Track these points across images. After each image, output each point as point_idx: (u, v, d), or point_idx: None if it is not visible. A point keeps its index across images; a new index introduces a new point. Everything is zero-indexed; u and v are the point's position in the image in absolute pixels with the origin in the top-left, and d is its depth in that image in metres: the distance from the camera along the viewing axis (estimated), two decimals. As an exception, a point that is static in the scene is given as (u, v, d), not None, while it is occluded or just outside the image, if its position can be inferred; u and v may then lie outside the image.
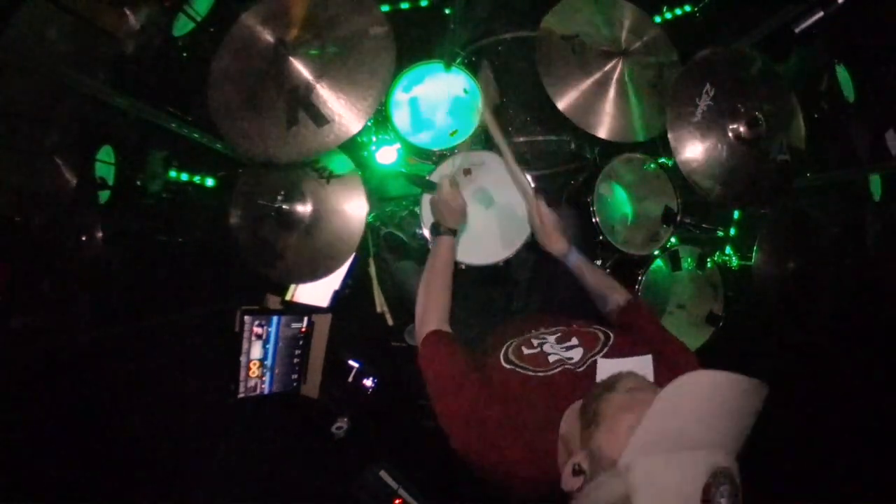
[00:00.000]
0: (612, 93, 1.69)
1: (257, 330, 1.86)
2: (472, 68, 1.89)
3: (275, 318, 1.90)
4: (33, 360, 2.04)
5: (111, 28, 2.39)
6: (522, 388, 0.96)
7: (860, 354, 2.40)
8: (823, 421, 2.33)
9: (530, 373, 1.00)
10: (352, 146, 1.86)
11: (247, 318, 1.84)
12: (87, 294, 2.25)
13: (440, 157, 1.76)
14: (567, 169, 1.99)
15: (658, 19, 2.46)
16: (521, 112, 1.93)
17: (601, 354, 1.01)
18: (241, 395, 1.85)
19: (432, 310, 1.18)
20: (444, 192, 1.35)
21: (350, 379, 2.12)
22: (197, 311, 2.21)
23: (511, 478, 0.91)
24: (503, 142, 1.42)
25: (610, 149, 1.89)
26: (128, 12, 2.41)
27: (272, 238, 1.79)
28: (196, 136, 1.84)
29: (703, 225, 2.18)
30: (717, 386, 0.68)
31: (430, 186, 1.56)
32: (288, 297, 1.98)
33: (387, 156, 1.93)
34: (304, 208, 1.77)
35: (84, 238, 2.19)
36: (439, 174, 1.69)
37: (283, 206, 1.74)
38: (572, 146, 1.96)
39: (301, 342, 1.97)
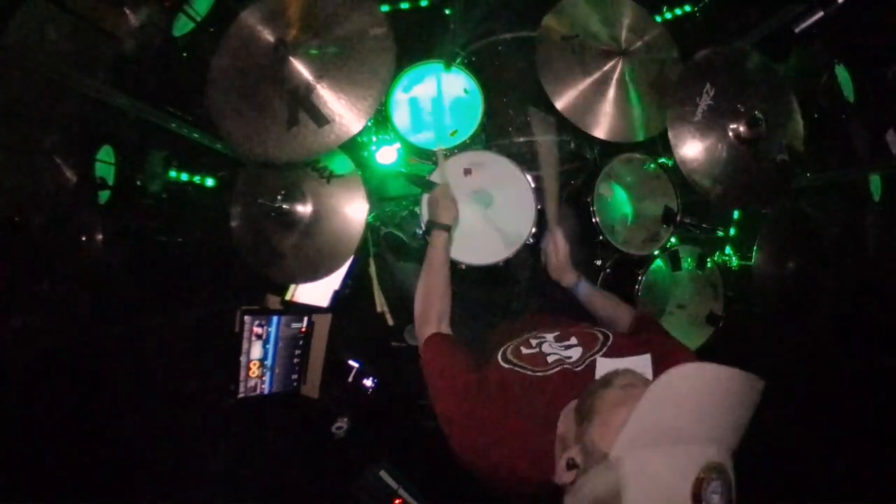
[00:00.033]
0: (611, 93, 1.69)
1: (257, 330, 1.86)
2: (472, 68, 1.89)
3: (275, 318, 1.90)
4: (33, 360, 2.04)
5: (111, 28, 2.39)
6: (521, 388, 0.96)
7: (860, 354, 2.40)
8: (823, 421, 2.33)
9: (529, 372, 1.00)
10: (352, 146, 1.86)
11: (247, 318, 1.84)
12: (87, 294, 2.25)
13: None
14: (567, 169, 1.99)
15: (658, 19, 2.46)
16: (521, 112, 1.93)
17: (600, 354, 1.01)
18: (241, 395, 1.85)
19: (431, 309, 1.18)
20: (437, 188, 1.39)
21: (350, 379, 2.12)
22: (197, 311, 2.21)
23: (510, 478, 0.91)
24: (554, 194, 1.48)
25: (610, 149, 1.89)
26: (128, 12, 2.42)
27: (272, 238, 1.79)
28: (196, 136, 1.84)
29: (703, 225, 2.18)
30: (708, 378, 0.68)
31: (430, 186, 1.56)
32: (288, 297, 1.98)
33: (387, 156, 1.93)
34: (304, 208, 1.76)
35: (84, 238, 2.19)
36: (439, 174, 1.69)
37: (283, 206, 1.74)
38: (572, 146, 1.96)
39: (301, 342, 1.97)
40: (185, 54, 2.46)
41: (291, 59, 1.47)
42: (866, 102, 2.56)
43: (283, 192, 1.74)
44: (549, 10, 1.71)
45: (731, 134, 1.60)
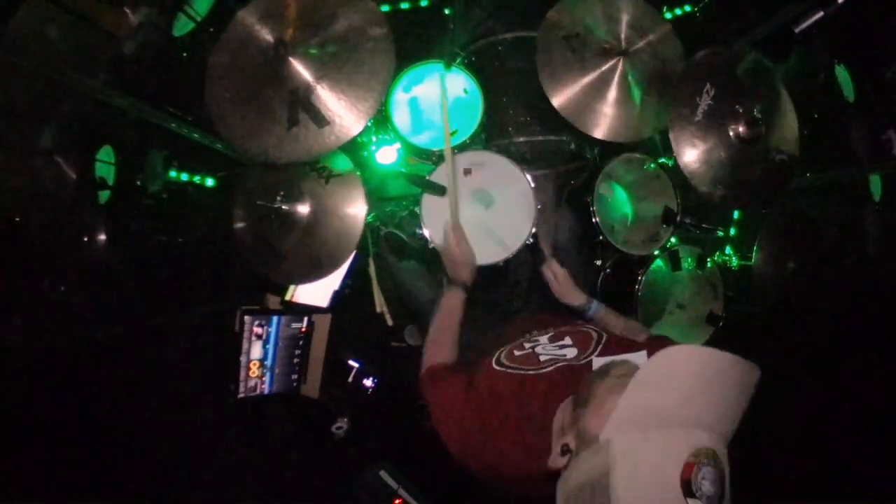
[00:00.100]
0: (612, 92, 1.69)
1: (257, 330, 1.86)
2: (472, 68, 1.89)
3: (275, 318, 1.89)
4: (33, 360, 2.04)
5: (111, 28, 2.39)
6: (513, 389, 0.98)
7: (860, 354, 2.40)
8: (823, 420, 2.33)
9: (521, 372, 1.01)
10: (352, 146, 1.86)
11: (247, 318, 1.84)
12: (87, 294, 2.25)
13: (440, 158, 1.76)
14: (567, 169, 1.99)
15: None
16: (521, 112, 1.93)
17: (596, 353, 1.02)
18: (241, 395, 1.85)
19: (438, 347, 1.25)
20: (449, 243, 1.40)
21: (350, 379, 2.12)
22: (197, 311, 2.21)
23: (509, 478, 0.91)
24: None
25: (610, 149, 1.89)
26: (128, 12, 2.41)
27: (272, 238, 1.79)
28: (196, 136, 1.84)
29: (703, 225, 2.18)
30: (698, 360, 0.68)
31: (431, 186, 1.56)
32: (288, 297, 1.98)
33: (387, 156, 1.93)
34: (303, 208, 1.76)
35: (85, 238, 2.19)
36: (439, 174, 1.69)
37: (283, 206, 1.74)
38: (572, 146, 1.95)
39: (301, 342, 1.97)
40: (185, 54, 2.46)
41: (291, 59, 1.47)
42: (866, 102, 2.57)
43: (282, 193, 1.74)
44: (548, 10, 1.71)
45: (731, 134, 1.60)
